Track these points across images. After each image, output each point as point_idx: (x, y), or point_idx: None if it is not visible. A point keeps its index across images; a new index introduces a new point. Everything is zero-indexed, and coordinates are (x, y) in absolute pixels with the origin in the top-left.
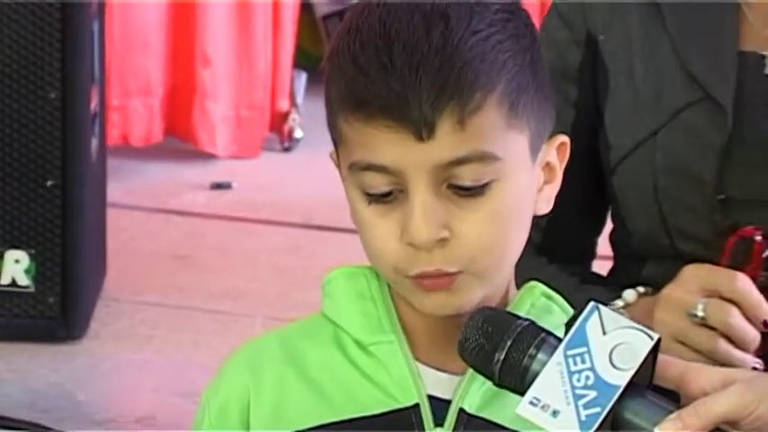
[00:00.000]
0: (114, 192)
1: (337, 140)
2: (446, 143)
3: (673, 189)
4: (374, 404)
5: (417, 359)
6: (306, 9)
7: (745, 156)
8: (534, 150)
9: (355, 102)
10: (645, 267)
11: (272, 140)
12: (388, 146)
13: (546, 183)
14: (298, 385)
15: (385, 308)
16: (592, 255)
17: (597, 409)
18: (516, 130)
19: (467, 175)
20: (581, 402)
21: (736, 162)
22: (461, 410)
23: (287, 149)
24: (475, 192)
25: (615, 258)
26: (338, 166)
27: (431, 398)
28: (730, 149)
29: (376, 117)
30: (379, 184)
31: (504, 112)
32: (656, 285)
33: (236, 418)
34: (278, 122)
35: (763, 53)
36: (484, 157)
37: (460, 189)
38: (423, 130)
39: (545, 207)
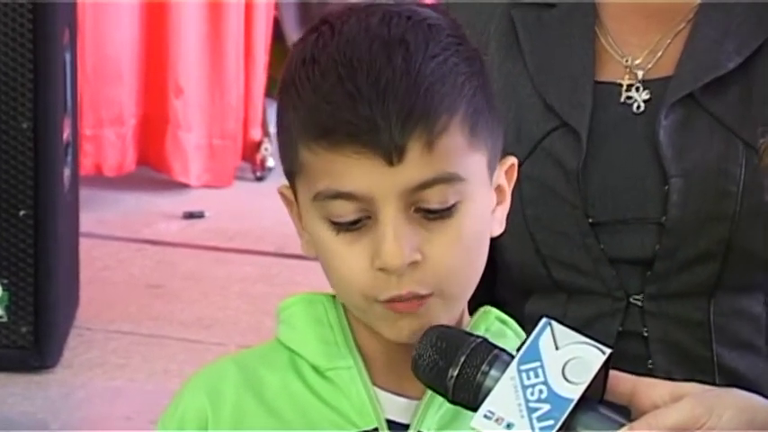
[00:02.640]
0: (87, 221)
1: (296, 171)
2: (415, 166)
3: (544, 217)
4: (333, 429)
5: (375, 384)
6: (277, 38)
7: (603, 180)
8: (491, 171)
9: (321, 130)
10: (529, 301)
11: (244, 170)
12: (356, 172)
13: (498, 204)
14: (256, 410)
15: (342, 334)
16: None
17: (551, 422)
18: (477, 151)
19: (434, 198)
20: (535, 415)
21: (596, 186)
22: None
23: (259, 179)
24: (443, 214)
25: (497, 293)
26: (289, 200)
27: (389, 422)
28: (588, 173)
29: (343, 144)
30: (347, 212)
31: (466, 133)
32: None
33: None
34: (250, 152)
35: (620, 82)
36: (450, 179)
37: (428, 212)
38: (393, 154)
39: (498, 228)
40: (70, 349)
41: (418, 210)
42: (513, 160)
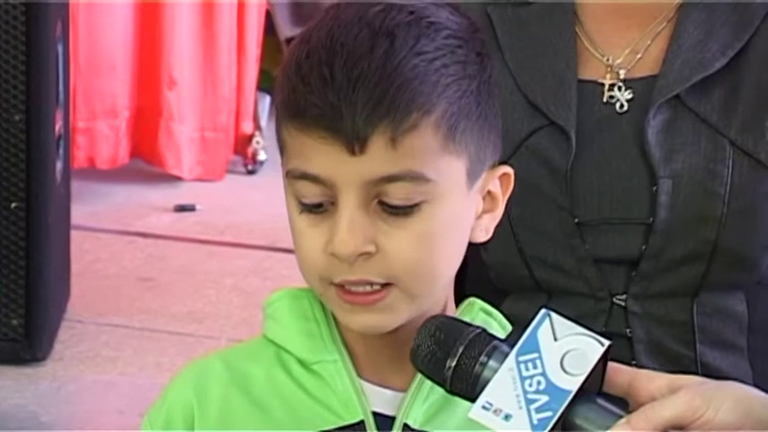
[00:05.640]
0: (79, 214)
1: (280, 148)
2: (377, 160)
3: (528, 217)
4: (319, 422)
5: (361, 377)
6: (270, 32)
7: (589, 180)
8: (472, 177)
9: (294, 110)
10: (505, 302)
11: (236, 163)
12: (321, 157)
13: (486, 212)
14: (243, 405)
15: (327, 328)
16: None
17: (549, 413)
18: (453, 154)
19: (397, 194)
20: (533, 407)
21: (582, 186)
22: (406, 426)
23: (251, 172)
24: (404, 211)
25: (465, 295)
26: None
27: (375, 414)
28: (575, 173)
29: (311, 127)
30: (312, 194)
31: (440, 136)
32: (516, 321)
33: None
34: (242, 145)
35: (601, 81)
36: (415, 178)
37: (389, 207)
38: (354, 144)
39: (482, 236)
40: (61, 342)
41: (380, 203)
42: (506, 169)
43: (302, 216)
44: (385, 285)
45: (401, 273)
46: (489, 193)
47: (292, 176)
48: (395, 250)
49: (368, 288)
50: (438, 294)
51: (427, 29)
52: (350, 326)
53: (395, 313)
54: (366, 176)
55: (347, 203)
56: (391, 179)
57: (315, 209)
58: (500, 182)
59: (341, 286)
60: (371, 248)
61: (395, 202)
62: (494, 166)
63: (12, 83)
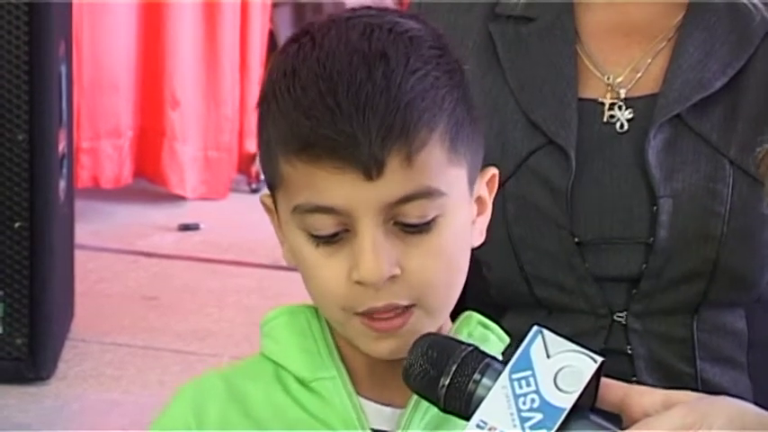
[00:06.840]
0: (82, 233)
1: (276, 183)
2: (394, 181)
3: (528, 236)
4: None
5: (360, 394)
6: (273, 51)
7: (589, 199)
8: (471, 184)
9: (301, 144)
10: (505, 318)
11: (239, 182)
12: (335, 187)
13: (478, 214)
14: (241, 423)
15: (326, 345)
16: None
17: (543, 431)
18: (457, 164)
19: (413, 212)
20: (527, 425)
21: (582, 205)
22: None
23: (254, 191)
24: (421, 228)
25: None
26: (270, 209)
27: (374, 431)
28: (575, 193)
29: (323, 159)
30: (326, 225)
31: (445, 148)
32: (516, 336)
33: None
34: (245, 164)
35: (602, 100)
36: (430, 193)
37: (407, 226)
38: (372, 169)
39: (479, 238)
40: (65, 361)
41: (397, 223)
42: (493, 171)
43: (318, 249)
44: (408, 307)
45: (425, 290)
46: (479, 196)
47: (303, 211)
48: (418, 269)
49: (390, 313)
50: (450, 307)
51: (411, 44)
52: (375, 353)
53: (420, 333)
54: (384, 200)
55: (367, 229)
56: (408, 199)
57: (330, 239)
58: (487, 185)
59: (365, 314)
60: (397, 271)
61: (412, 220)
62: (481, 170)
63: (15, 102)
